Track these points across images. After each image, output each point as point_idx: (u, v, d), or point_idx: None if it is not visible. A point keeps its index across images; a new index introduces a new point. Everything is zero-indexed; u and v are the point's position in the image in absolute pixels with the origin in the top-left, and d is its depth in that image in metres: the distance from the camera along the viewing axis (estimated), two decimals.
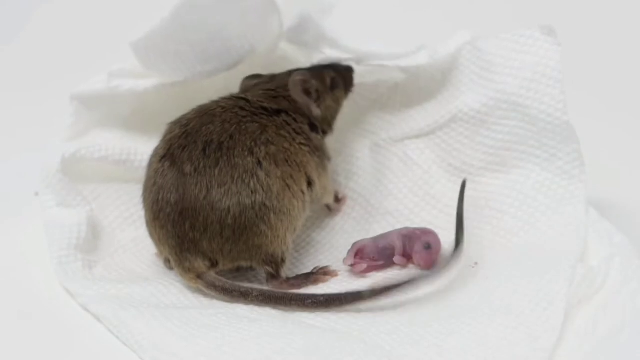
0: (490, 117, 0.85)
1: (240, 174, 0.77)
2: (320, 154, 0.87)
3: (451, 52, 0.87)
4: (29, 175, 0.94)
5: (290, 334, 0.69)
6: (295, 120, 0.85)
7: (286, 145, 0.81)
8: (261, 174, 0.78)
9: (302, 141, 0.84)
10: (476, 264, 0.80)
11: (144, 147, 0.91)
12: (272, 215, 0.78)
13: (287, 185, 0.79)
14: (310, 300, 0.74)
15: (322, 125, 0.89)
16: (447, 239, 0.85)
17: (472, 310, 0.70)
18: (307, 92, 0.86)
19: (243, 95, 0.84)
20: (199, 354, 0.67)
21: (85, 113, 0.91)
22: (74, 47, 1.33)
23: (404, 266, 0.82)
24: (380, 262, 0.82)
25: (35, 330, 0.74)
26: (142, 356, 0.69)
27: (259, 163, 0.78)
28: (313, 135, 0.86)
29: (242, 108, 0.81)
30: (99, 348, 0.72)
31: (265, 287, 0.77)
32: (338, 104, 0.91)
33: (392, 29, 1.24)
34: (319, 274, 0.81)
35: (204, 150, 0.78)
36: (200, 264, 0.78)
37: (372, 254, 0.82)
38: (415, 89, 0.90)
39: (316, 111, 0.87)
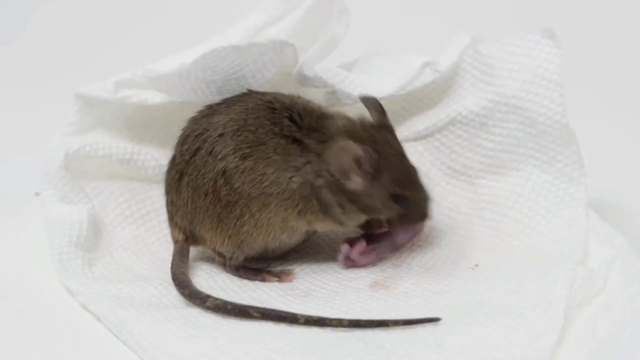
0: (489, 119, 0.86)
1: (204, 173, 0.80)
2: (322, 207, 0.80)
3: (454, 61, 0.87)
4: (29, 175, 0.95)
5: (289, 334, 0.69)
6: (309, 162, 0.79)
7: (268, 170, 0.79)
8: (220, 182, 0.79)
9: (297, 180, 0.79)
10: (476, 265, 0.80)
11: (147, 147, 0.91)
12: (216, 222, 0.81)
13: (245, 205, 0.79)
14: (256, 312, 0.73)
15: (350, 202, 0.79)
16: (447, 242, 0.85)
17: (472, 310, 0.70)
18: (357, 164, 0.77)
19: (276, 105, 0.80)
20: (198, 354, 0.67)
21: (89, 111, 0.91)
22: (74, 46, 1.33)
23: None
24: (374, 245, 0.83)
25: (35, 330, 0.74)
26: (142, 356, 0.69)
27: (224, 173, 0.79)
28: (324, 191, 0.79)
29: (258, 116, 0.80)
30: (99, 348, 0.72)
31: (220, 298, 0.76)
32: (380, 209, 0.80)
33: (393, 32, 1.25)
34: (270, 274, 0.82)
35: (197, 135, 0.81)
36: (177, 234, 0.83)
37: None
38: (415, 92, 0.90)
39: (356, 183, 0.78)
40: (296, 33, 0.91)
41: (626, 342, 0.66)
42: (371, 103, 0.82)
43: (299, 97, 0.83)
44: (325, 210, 0.80)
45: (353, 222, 0.82)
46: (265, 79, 0.86)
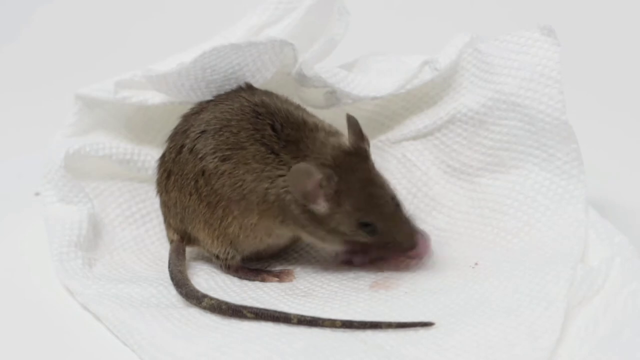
0: (488, 117, 0.85)
1: (187, 172, 0.80)
2: (297, 224, 0.79)
3: (453, 59, 0.87)
4: (29, 175, 0.95)
5: (290, 334, 0.69)
6: (281, 176, 0.78)
7: (248, 177, 0.78)
8: (200, 182, 0.79)
9: (273, 192, 0.78)
10: (476, 264, 0.80)
11: (147, 147, 0.91)
12: (203, 222, 0.81)
13: (226, 207, 0.79)
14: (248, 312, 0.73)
15: (319, 226, 0.78)
16: (447, 240, 0.85)
17: (472, 310, 0.70)
18: (320, 185, 0.76)
19: (261, 110, 0.80)
20: (198, 354, 0.67)
21: (88, 112, 0.91)
22: (74, 47, 1.34)
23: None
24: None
25: (36, 330, 0.75)
26: (142, 356, 0.69)
27: (203, 173, 0.79)
28: (294, 207, 0.78)
29: (242, 118, 0.80)
30: (99, 348, 0.72)
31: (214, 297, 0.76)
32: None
33: (393, 33, 1.25)
34: (270, 274, 0.82)
35: (183, 132, 0.81)
36: (172, 235, 0.84)
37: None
38: (415, 91, 0.90)
39: (321, 207, 0.77)
40: (296, 33, 0.91)
41: (626, 341, 0.65)
42: (351, 124, 0.80)
43: (286, 100, 0.83)
44: (301, 227, 0.79)
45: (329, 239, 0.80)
46: (265, 79, 0.86)
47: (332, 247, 0.82)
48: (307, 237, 0.81)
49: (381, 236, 0.78)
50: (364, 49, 0.95)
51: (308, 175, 0.75)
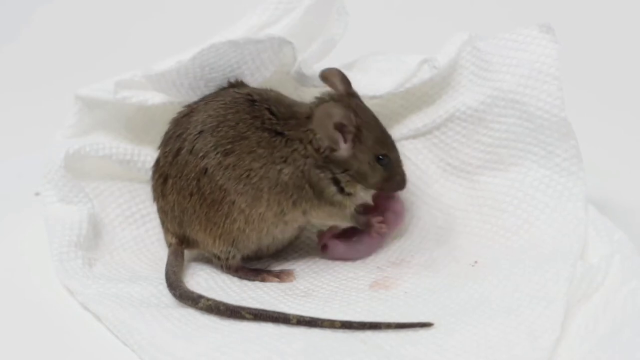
0: (487, 115, 0.85)
1: (186, 173, 0.80)
2: (316, 191, 0.81)
3: (452, 57, 0.87)
4: (29, 175, 0.95)
5: (290, 335, 0.69)
6: (295, 150, 0.80)
7: (255, 165, 0.79)
8: (203, 181, 0.79)
9: (287, 171, 0.79)
10: (476, 262, 0.80)
11: (147, 148, 0.91)
12: (204, 222, 0.80)
13: (231, 202, 0.79)
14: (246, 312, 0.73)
15: (344, 173, 0.81)
16: (446, 239, 0.85)
17: (472, 310, 0.70)
18: (339, 127, 0.79)
19: (255, 97, 0.81)
20: (198, 354, 0.67)
21: (88, 113, 0.91)
22: (74, 47, 1.34)
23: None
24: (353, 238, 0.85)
25: (35, 330, 0.75)
26: (142, 356, 0.69)
27: (205, 171, 0.79)
28: (315, 172, 0.80)
29: (238, 110, 0.80)
30: (99, 348, 0.72)
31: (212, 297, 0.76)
32: (372, 172, 0.81)
33: (392, 33, 1.25)
34: (270, 274, 0.82)
35: (178, 135, 0.81)
36: (170, 238, 0.83)
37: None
38: (414, 90, 0.90)
39: (344, 150, 0.80)
40: (295, 33, 0.91)
41: (626, 338, 0.66)
42: (335, 73, 0.83)
43: (271, 90, 0.84)
44: (319, 194, 0.80)
45: (348, 202, 0.82)
46: (264, 77, 0.86)
47: (345, 212, 0.83)
48: (318, 214, 0.82)
49: (390, 168, 0.81)
50: (364, 49, 0.95)
51: (331, 114, 0.78)
